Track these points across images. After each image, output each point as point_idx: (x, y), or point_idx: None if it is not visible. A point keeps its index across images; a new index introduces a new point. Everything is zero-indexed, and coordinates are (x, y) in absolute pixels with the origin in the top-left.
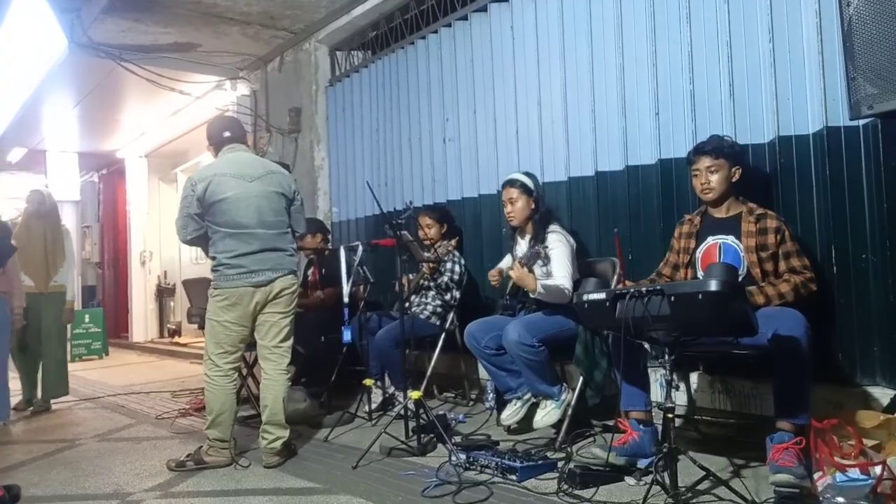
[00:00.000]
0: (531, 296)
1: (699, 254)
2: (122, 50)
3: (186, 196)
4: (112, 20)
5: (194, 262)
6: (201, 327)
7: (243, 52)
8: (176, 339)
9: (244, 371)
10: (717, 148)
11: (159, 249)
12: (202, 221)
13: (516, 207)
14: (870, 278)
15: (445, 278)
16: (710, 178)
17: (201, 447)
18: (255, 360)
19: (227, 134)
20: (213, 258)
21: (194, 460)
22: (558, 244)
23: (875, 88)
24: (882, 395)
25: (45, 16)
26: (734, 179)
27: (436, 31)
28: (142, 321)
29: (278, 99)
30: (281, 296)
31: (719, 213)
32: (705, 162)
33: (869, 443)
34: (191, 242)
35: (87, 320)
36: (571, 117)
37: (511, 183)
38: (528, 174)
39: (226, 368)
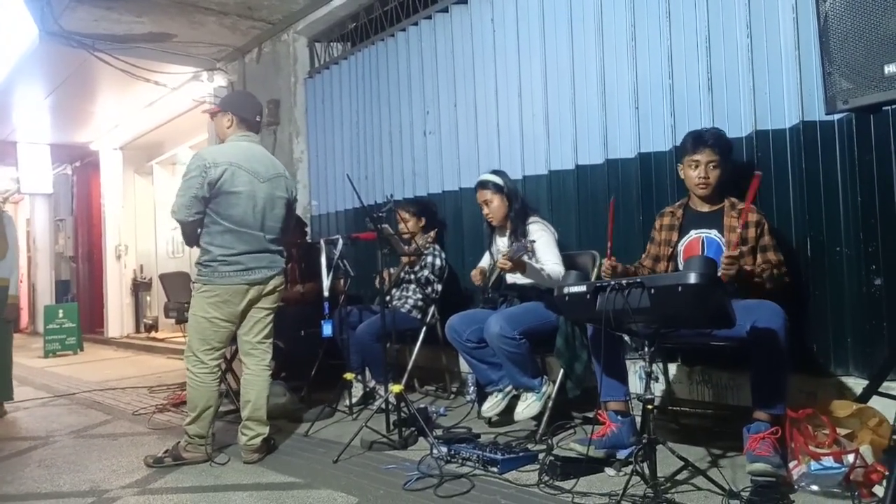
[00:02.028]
0: (522, 276)
1: (681, 247)
2: (95, 39)
3: (196, 176)
4: (84, 8)
5: (171, 256)
6: (179, 322)
7: (220, 43)
8: (152, 334)
9: (223, 366)
10: (719, 142)
11: (135, 243)
12: (205, 206)
13: (493, 207)
14: (843, 270)
15: (426, 272)
16: (709, 172)
17: (179, 443)
18: (234, 356)
19: (258, 119)
20: (207, 250)
21: (172, 456)
22: (542, 233)
23: (850, 83)
24: (855, 384)
25: (14, 2)
26: (726, 176)
27: (416, 23)
28: (117, 316)
29: (256, 91)
30: (272, 293)
31: (702, 206)
32: (708, 155)
33: (842, 432)
34: (188, 224)
35: (61, 315)
36: (552, 111)
37: (482, 185)
38: (496, 172)
39: (211, 365)
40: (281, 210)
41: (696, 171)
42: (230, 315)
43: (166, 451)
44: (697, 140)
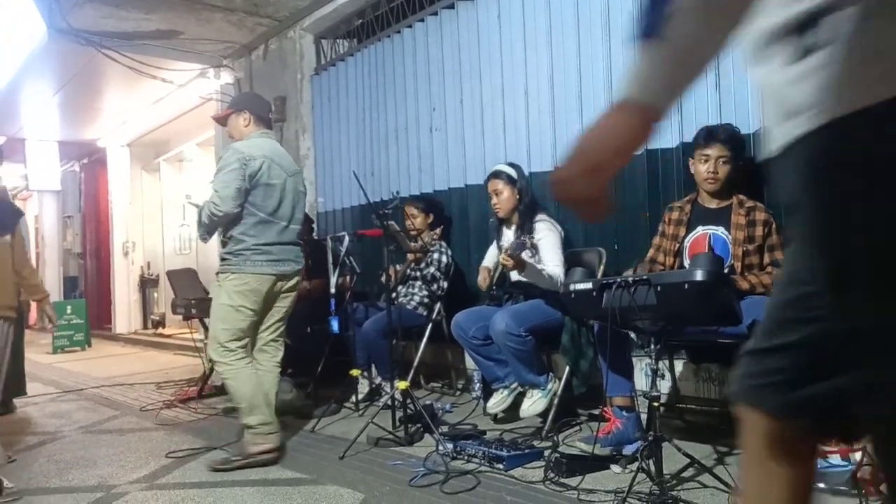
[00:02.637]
0: (519, 275)
1: (688, 243)
2: (103, 37)
3: (237, 169)
4: (92, 6)
5: (178, 253)
6: (186, 318)
7: (227, 40)
8: (160, 330)
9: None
10: (731, 138)
11: (142, 240)
12: (245, 198)
13: (502, 199)
14: None
15: (432, 269)
16: (719, 168)
17: (241, 440)
18: None
19: (271, 115)
20: (240, 240)
21: (241, 455)
22: (548, 233)
23: None
24: None
25: (23, 1)
26: (736, 173)
27: (422, 20)
28: (125, 312)
29: (263, 87)
30: (293, 290)
31: (710, 202)
32: (719, 150)
33: None
34: (228, 216)
35: (69, 311)
36: (558, 107)
37: (496, 175)
38: (512, 165)
39: (240, 352)
40: (303, 204)
41: (706, 166)
42: (256, 304)
43: (231, 447)
44: (709, 134)
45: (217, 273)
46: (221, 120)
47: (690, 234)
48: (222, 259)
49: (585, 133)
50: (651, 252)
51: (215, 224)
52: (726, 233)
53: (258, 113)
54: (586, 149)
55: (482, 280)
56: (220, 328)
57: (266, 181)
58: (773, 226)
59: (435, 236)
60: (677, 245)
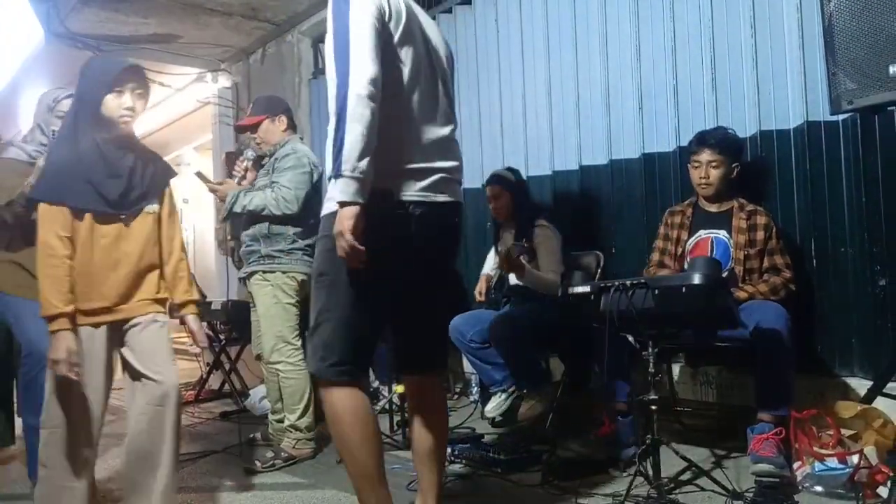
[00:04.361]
0: (518, 280)
1: (689, 246)
2: (101, 41)
3: (309, 172)
4: (90, 10)
5: None
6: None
7: (225, 44)
8: None
9: (227, 366)
10: (721, 142)
11: None
12: None
13: (501, 204)
14: (848, 271)
15: None
16: (710, 172)
17: (283, 442)
18: (239, 355)
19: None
20: (293, 239)
21: (282, 458)
22: (548, 240)
23: (855, 84)
24: (860, 385)
25: (21, 4)
26: (732, 176)
27: None
28: None
29: (260, 91)
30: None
31: (710, 206)
32: (709, 156)
33: (847, 433)
34: (294, 217)
35: None
36: (556, 111)
37: (495, 180)
38: (510, 169)
39: (302, 349)
40: None
41: (697, 171)
42: (300, 300)
43: (273, 451)
44: (700, 140)
45: (254, 273)
46: (251, 127)
47: (692, 238)
48: (268, 256)
49: (341, 225)
50: (656, 256)
51: (276, 219)
52: (728, 236)
53: (291, 115)
54: (348, 232)
55: (479, 289)
56: (285, 326)
57: (320, 189)
58: (774, 230)
59: None
60: (680, 249)
